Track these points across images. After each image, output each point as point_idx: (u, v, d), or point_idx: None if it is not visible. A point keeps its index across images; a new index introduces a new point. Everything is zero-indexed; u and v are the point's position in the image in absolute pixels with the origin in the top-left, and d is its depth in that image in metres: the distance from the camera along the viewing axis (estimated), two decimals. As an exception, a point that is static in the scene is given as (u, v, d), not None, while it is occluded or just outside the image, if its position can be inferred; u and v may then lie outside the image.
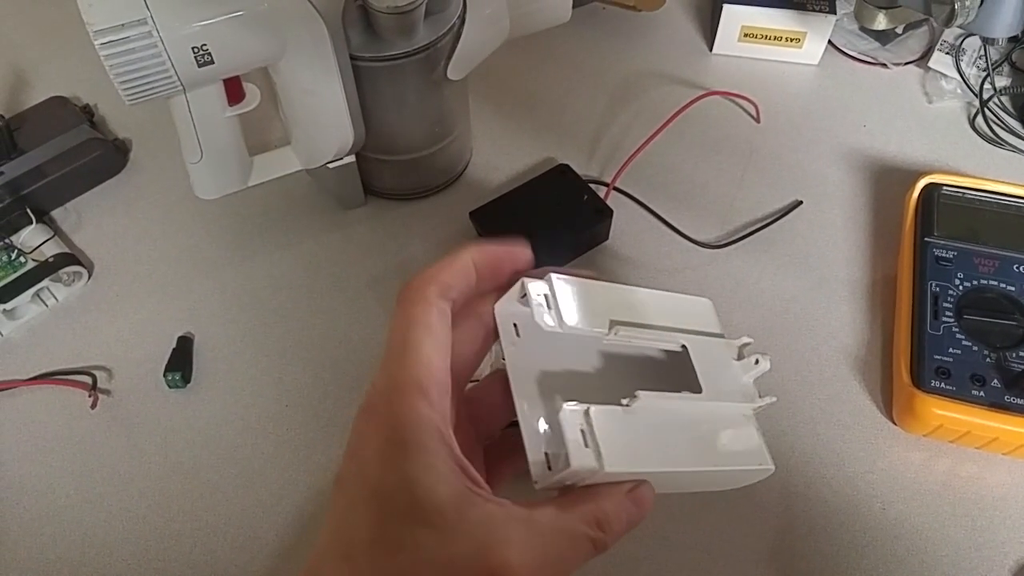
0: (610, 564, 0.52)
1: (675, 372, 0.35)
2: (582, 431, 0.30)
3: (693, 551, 0.53)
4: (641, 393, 0.31)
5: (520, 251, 0.34)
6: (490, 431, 0.36)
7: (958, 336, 0.56)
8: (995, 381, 0.54)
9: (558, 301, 0.32)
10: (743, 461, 0.35)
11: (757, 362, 0.36)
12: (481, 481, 0.29)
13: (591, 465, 0.30)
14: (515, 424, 0.33)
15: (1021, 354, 0.55)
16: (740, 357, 0.37)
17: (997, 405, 0.53)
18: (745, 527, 0.53)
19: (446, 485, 0.28)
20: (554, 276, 0.33)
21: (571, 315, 0.32)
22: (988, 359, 0.55)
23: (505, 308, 0.34)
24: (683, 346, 0.35)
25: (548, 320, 0.32)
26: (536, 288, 0.32)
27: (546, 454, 0.31)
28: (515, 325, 0.34)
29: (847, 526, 0.53)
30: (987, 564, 0.52)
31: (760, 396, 0.36)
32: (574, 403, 0.31)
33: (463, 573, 0.27)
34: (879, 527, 0.53)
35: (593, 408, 0.31)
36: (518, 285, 0.33)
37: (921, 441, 0.56)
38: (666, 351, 0.36)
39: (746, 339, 0.37)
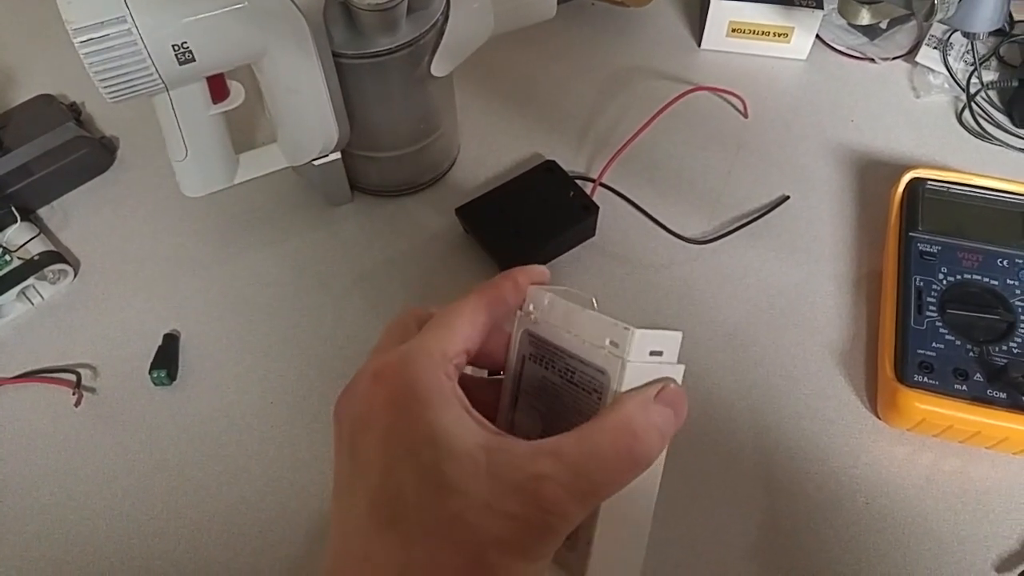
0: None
1: None
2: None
3: (676, 547, 0.53)
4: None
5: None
6: None
7: (941, 331, 0.56)
8: (978, 375, 0.54)
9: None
10: None
11: None
12: (502, 432, 0.30)
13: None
14: None
15: (1003, 348, 0.55)
16: None
17: (979, 399, 0.53)
18: (728, 523, 0.54)
19: (474, 434, 0.29)
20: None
21: None
22: (971, 353, 0.55)
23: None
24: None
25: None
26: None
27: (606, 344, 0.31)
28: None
29: (830, 521, 0.53)
30: (970, 558, 0.52)
31: None
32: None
33: (508, 509, 0.27)
34: (862, 522, 0.53)
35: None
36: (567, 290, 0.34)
37: (905, 435, 0.57)
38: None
39: None
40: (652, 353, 0.30)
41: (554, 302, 0.33)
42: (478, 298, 0.33)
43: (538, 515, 0.27)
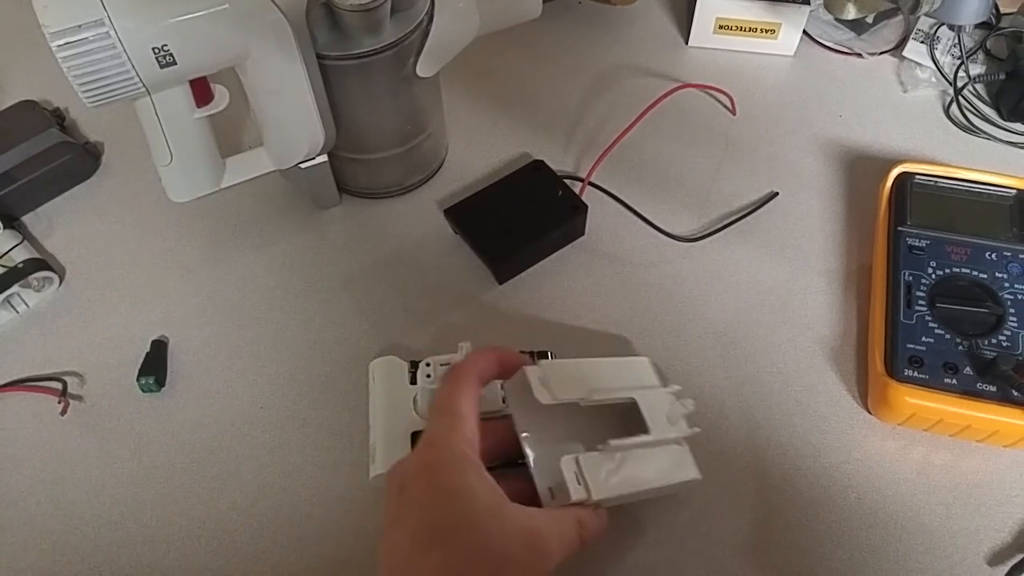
0: (587, 560, 0.52)
1: (629, 415, 0.50)
2: (575, 473, 0.45)
3: (668, 546, 0.52)
4: (612, 442, 0.46)
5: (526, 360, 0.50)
6: None
7: (931, 325, 0.56)
8: (967, 369, 0.54)
9: (551, 382, 0.47)
10: (679, 476, 0.50)
11: (684, 404, 0.51)
12: (504, 496, 0.42)
13: (583, 496, 0.45)
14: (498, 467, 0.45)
15: (993, 341, 0.55)
16: (676, 397, 0.52)
17: (969, 393, 0.53)
18: (721, 521, 0.53)
19: (491, 493, 0.41)
20: (544, 362, 0.50)
21: (559, 390, 0.47)
22: (960, 347, 0.55)
23: (513, 385, 0.48)
24: (633, 400, 0.50)
25: (544, 398, 0.46)
26: (533, 373, 0.47)
27: (550, 488, 0.46)
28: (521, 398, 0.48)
29: (822, 517, 0.53)
30: (962, 552, 0.52)
31: (689, 427, 0.51)
32: (569, 455, 0.45)
33: (522, 541, 0.40)
34: (854, 517, 0.53)
35: (581, 456, 0.46)
36: (520, 372, 0.47)
37: (896, 430, 0.56)
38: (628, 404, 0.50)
39: (677, 387, 0.52)
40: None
41: None
42: (475, 384, 0.46)
43: (539, 548, 0.41)
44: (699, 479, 0.50)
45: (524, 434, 0.47)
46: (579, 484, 0.45)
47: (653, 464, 0.49)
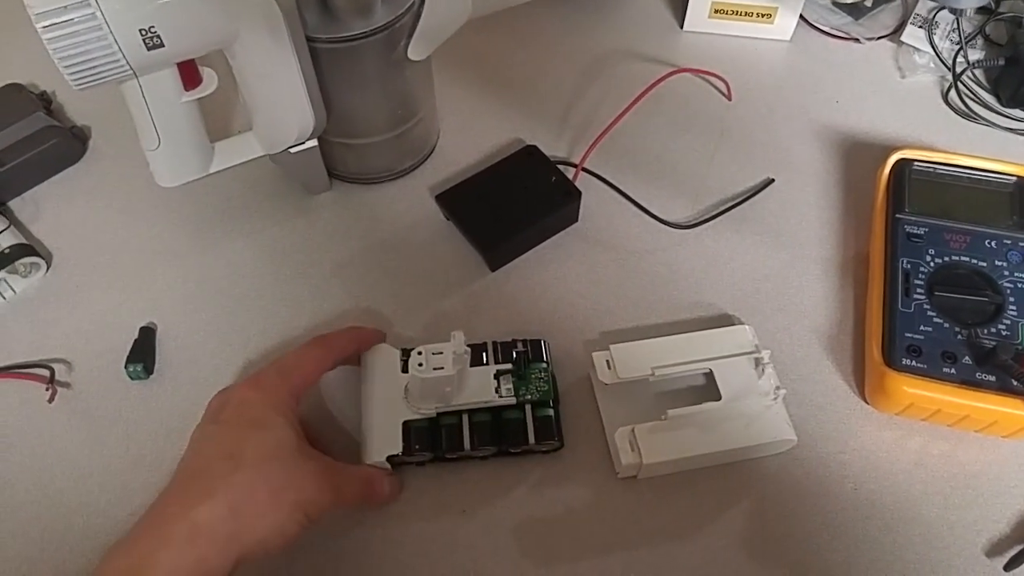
0: (581, 550, 0.51)
1: (712, 386, 0.54)
2: (629, 442, 0.52)
3: (664, 536, 0.52)
4: (669, 412, 0.52)
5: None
6: None
7: (929, 313, 0.55)
8: (966, 358, 0.53)
9: (615, 362, 0.55)
10: (759, 438, 0.53)
11: (764, 370, 0.54)
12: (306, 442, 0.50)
13: (635, 461, 0.52)
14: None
15: (992, 330, 0.54)
16: (758, 366, 0.54)
17: (968, 382, 0.52)
18: (716, 511, 0.53)
19: (294, 436, 0.48)
20: (614, 346, 0.55)
21: (623, 370, 0.54)
22: (959, 336, 0.54)
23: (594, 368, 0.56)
24: (709, 370, 0.54)
25: (606, 379, 0.55)
26: (599, 356, 0.55)
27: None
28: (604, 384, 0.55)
29: (819, 508, 0.53)
30: (960, 543, 0.51)
31: (776, 390, 0.53)
32: (626, 427, 0.53)
33: (301, 479, 0.47)
34: (851, 507, 0.53)
35: (637, 427, 0.52)
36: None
37: (893, 420, 0.56)
38: (704, 375, 0.55)
39: (764, 353, 0.54)
40: None
41: None
42: (327, 350, 0.54)
43: (326, 484, 0.48)
44: (793, 440, 0.53)
45: (602, 408, 0.56)
46: (632, 451, 0.52)
47: (726, 429, 0.53)
